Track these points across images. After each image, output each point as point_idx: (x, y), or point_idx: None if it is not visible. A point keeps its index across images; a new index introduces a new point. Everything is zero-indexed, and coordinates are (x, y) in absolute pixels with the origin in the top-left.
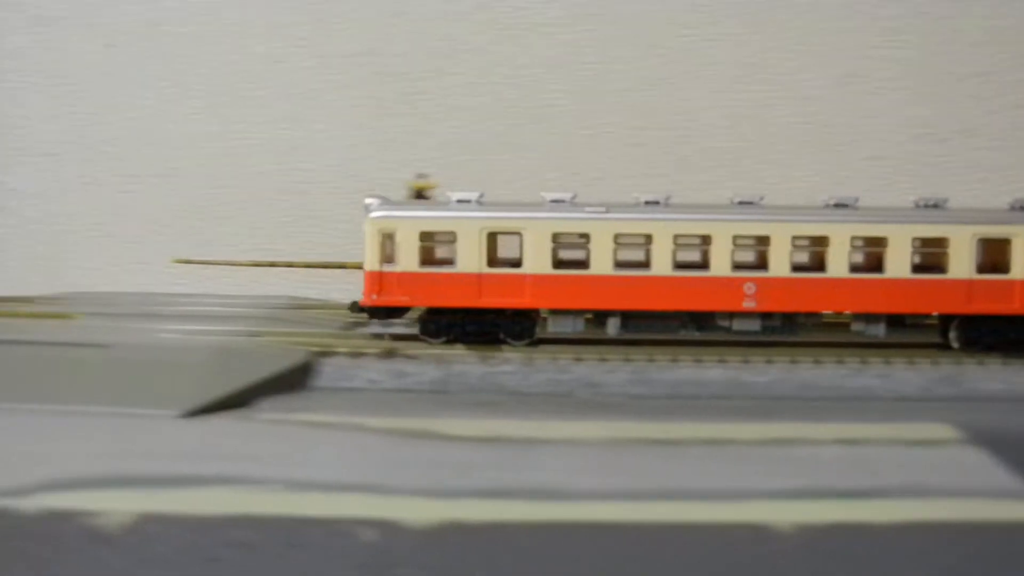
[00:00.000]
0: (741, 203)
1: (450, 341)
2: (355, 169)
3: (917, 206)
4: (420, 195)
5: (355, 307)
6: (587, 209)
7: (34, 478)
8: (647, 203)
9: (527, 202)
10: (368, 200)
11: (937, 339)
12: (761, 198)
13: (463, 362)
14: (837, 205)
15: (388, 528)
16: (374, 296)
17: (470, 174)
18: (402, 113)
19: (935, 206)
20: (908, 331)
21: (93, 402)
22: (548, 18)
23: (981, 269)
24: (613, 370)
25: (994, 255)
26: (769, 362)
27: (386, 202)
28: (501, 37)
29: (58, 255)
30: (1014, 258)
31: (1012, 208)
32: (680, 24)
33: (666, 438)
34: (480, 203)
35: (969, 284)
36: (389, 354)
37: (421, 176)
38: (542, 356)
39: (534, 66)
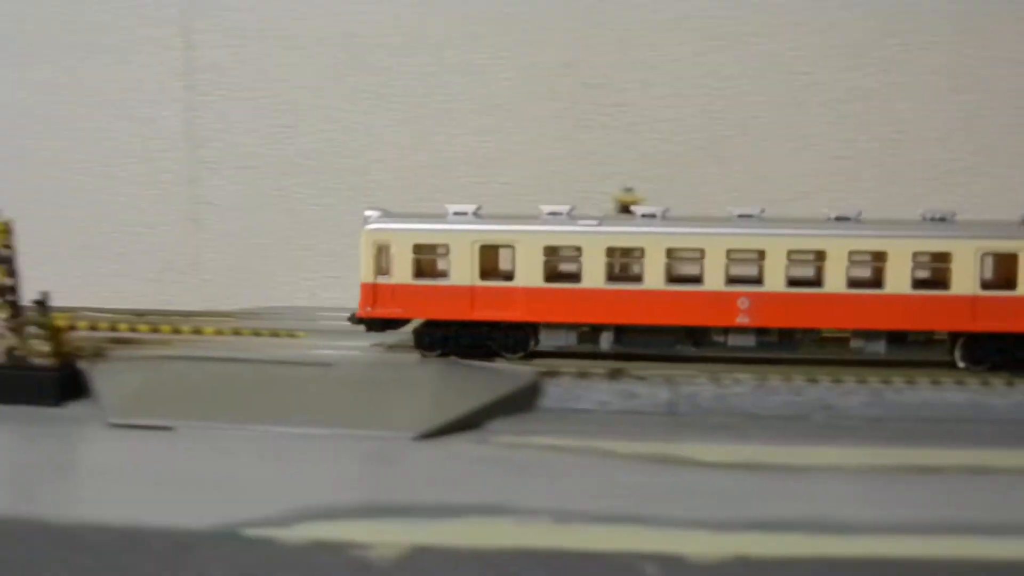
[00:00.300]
0: (740, 216)
1: (445, 353)
2: (554, 182)
3: (924, 219)
4: (626, 209)
5: (353, 319)
6: (580, 222)
7: (290, 506)
8: (643, 216)
9: (524, 215)
10: (367, 212)
11: (944, 356)
12: (762, 210)
13: (693, 383)
14: (838, 219)
15: (672, 563)
16: (368, 308)
17: (673, 187)
18: (603, 125)
19: (941, 219)
20: (911, 348)
21: (325, 423)
22: (753, 27)
23: (986, 285)
24: (849, 392)
25: (1001, 271)
26: (1009, 384)
27: (385, 214)
28: (705, 48)
29: (254, 268)
30: (1021, 274)
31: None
32: (889, 32)
33: (925, 465)
34: (477, 216)
35: (973, 300)
36: (616, 374)
37: (627, 190)
38: (775, 376)
39: (738, 77)
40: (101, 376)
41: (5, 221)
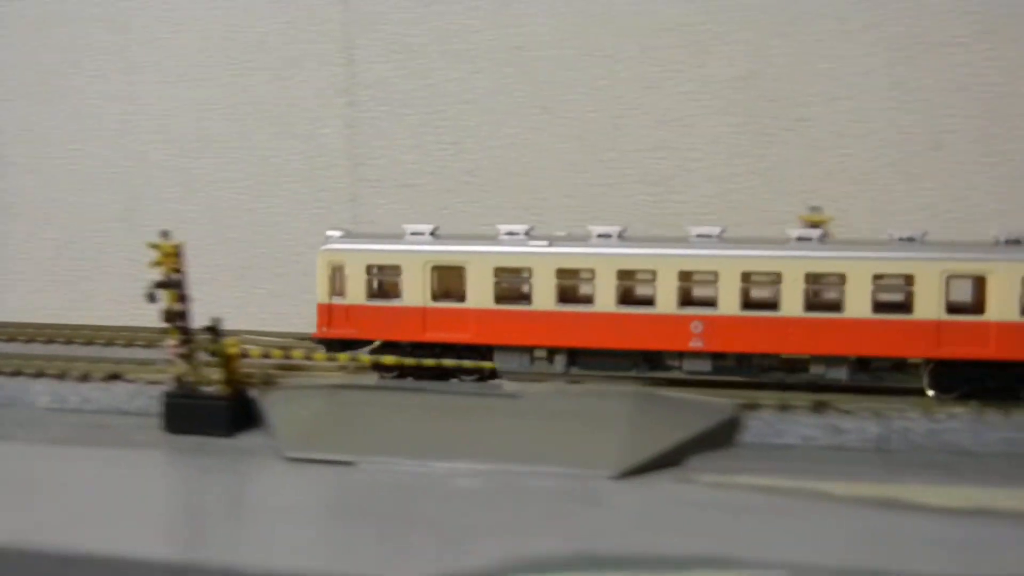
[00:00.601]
0: (699, 236)
1: (402, 375)
2: (734, 200)
3: (891, 239)
4: (814, 228)
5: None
6: (530, 243)
7: (496, 555)
8: (599, 236)
9: (479, 235)
10: (329, 232)
11: (911, 384)
12: (723, 231)
13: (904, 417)
14: (799, 239)
15: None
16: (324, 328)
17: (858, 206)
18: (784, 140)
19: (909, 239)
20: (877, 375)
21: (516, 459)
22: (946, 37)
23: (952, 309)
24: None
25: (967, 294)
26: None
27: (347, 235)
28: (894, 59)
29: None
30: (989, 298)
31: (994, 243)
32: None
33: None
34: (434, 236)
35: (938, 325)
36: (820, 407)
37: (814, 209)
38: (994, 411)
39: (929, 89)
40: (273, 405)
41: (175, 244)
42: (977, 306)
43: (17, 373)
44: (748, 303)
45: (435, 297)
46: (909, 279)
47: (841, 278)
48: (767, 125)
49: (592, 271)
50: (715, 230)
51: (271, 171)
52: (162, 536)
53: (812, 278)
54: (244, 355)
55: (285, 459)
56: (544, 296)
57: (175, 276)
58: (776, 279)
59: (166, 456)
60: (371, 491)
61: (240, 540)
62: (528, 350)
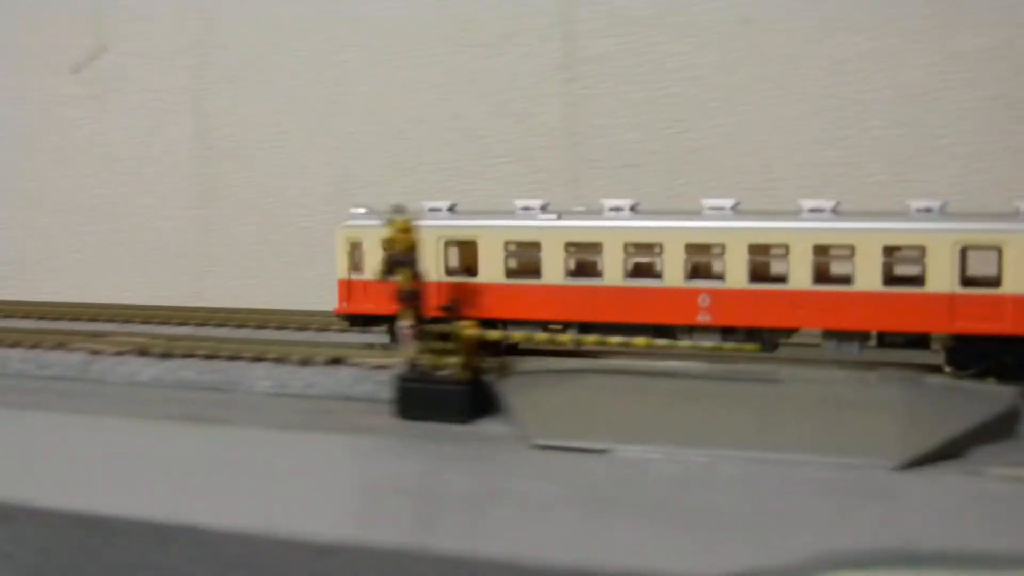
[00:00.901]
0: (711, 208)
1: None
2: (980, 182)
3: (911, 209)
4: None
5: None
6: (540, 216)
7: (804, 549)
8: (610, 209)
9: (498, 210)
10: (353, 209)
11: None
12: (736, 203)
13: None
14: (811, 211)
15: None
16: (344, 304)
17: None
18: None
19: (927, 210)
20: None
21: (786, 448)
22: None
23: (968, 283)
24: None
25: (982, 266)
26: None
27: (370, 212)
28: None
29: None
30: (1005, 270)
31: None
32: None
33: None
34: (451, 212)
35: (951, 299)
36: None
37: None
38: None
39: None
40: (514, 391)
41: (407, 219)
42: (995, 279)
43: (235, 357)
44: (757, 276)
45: (449, 272)
46: (921, 251)
47: (850, 250)
48: (1018, 99)
49: (599, 245)
50: (728, 202)
51: (485, 151)
52: (406, 526)
53: (821, 250)
54: (482, 338)
55: (532, 446)
56: (554, 270)
57: (408, 255)
58: (785, 251)
59: (402, 443)
60: (629, 480)
61: (491, 531)
62: (541, 323)
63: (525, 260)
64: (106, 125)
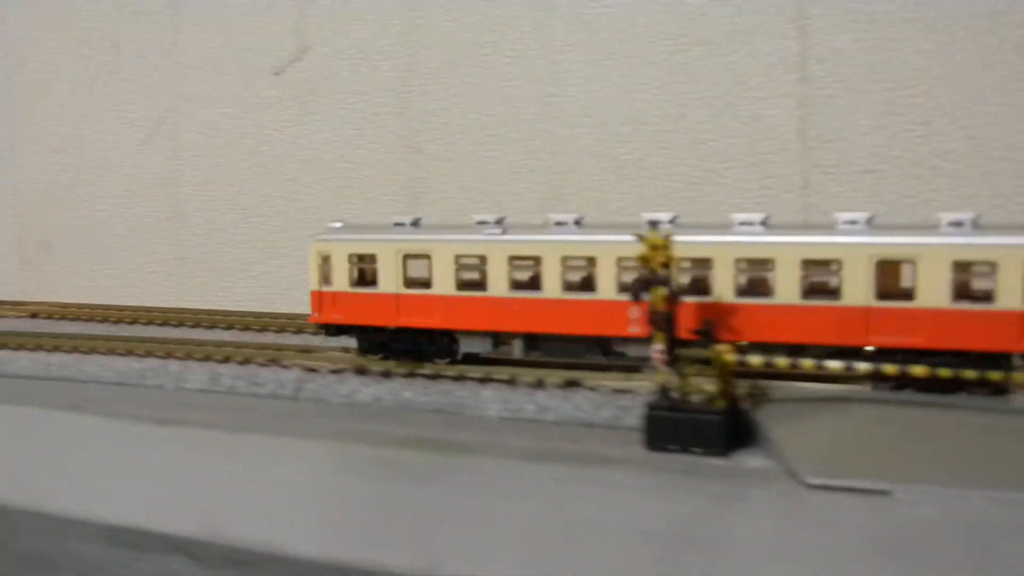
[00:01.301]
0: (650, 222)
1: (385, 357)
2: None
3: (841, 222)
4: None
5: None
6: (485, 231)
7: None
8: (556, 224)
9: (458, 224)
10: (330, 224)
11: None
12: (673, 218)
13: None
14: (742, 224)
15: None
16: (316, 314)
17: None
18: None
19: (852, 223)
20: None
21: None
22: None
23: (882, 295)
24: None
25: (897, 279)
26: None
27: (345, 227)
28: None
29: None
30: (920, 282)
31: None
32: None
33: None
34: (414, 226)
35: (867, 312)
36: None
37: None
38: None
39: None
40: (774, 421)
41: (665, 236)
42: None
43: (461, 378)
44: (688, 289)
45: (407, 284)
46: (836, 263)
47: (768, 264)
48: None
49: (539, 258)
50: (666, 217)
51: (709, 156)
52: (666, 570)
53: (741, 263)
54: (741, 364)
55: (803, 485)
56: (499, 282)
57: (664, 272)
58: (707, 264)
59: (654, 477)
60: (921, 527)
61: None
62: (491, 334)
63: (474, 273)
64: (308, 128)
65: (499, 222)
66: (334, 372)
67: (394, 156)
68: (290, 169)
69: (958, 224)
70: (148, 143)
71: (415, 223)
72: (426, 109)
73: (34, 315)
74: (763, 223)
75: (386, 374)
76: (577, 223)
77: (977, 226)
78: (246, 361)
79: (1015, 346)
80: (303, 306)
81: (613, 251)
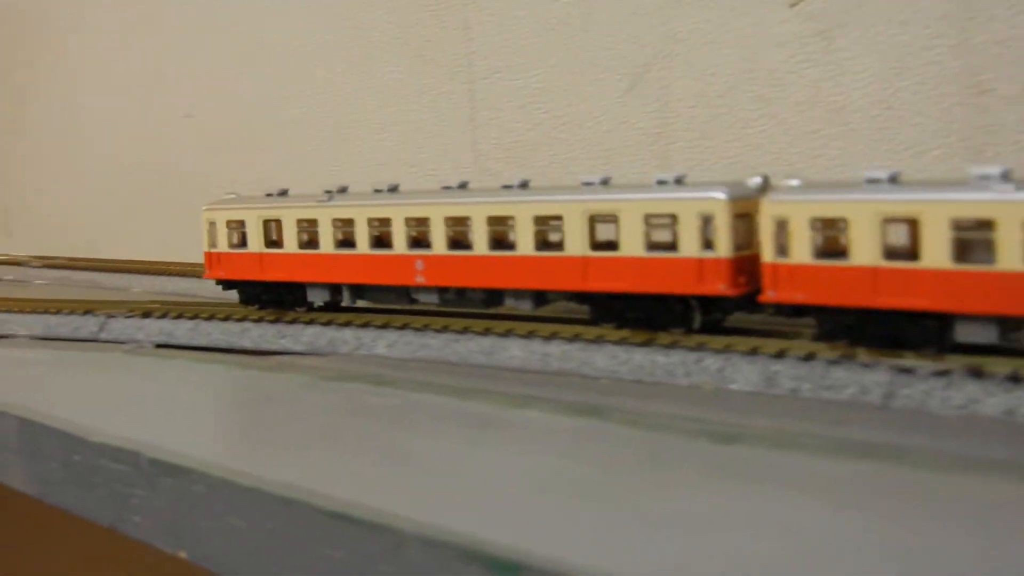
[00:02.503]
0: (444, 188)
1: (262, 307)
2: None
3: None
4: None
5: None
6: (318, 198)
7: None
8: (375, 191)
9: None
10: (226, 195)
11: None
12: (463, 184)
13: None
14: (505, 187)
15: None
16: (208, 271)
17: None
18: None
19: (603, 183)
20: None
21: None
22: None
23: (596, 247)
24: None
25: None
26: None
27: (238, 197)
28: None
29: None
30: (622, 235)
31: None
32: None
33: None
34: (281, 195)
35: (584, 261)
36: None
37: None
38: None
39: None
40: None
41: None
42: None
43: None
44: (455, 244)
45: (267, 244)
46: (559, 219)
47: (509, 220)
48: None
49: (351, 220)
50: (457, 185)
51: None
52: None
53: (493, 221)
54: None
55: None
56: (328, 242)
57: None
58: (464, 223)
59: None
60: None
61: None
62: (326, 286)
63: (313, 235)
64: (833, 69)
65: (342, 191)
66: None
67: (950, 100)
68: (811, 119)
69: (663, 182)
70: (631, 93)
71: (282, 192)
72: (994, 39)
73: None
74: (522, 186)
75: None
76: (391, 190)
77: (679, 182)
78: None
79: (694, 289)
80: None
81: (403, 212)
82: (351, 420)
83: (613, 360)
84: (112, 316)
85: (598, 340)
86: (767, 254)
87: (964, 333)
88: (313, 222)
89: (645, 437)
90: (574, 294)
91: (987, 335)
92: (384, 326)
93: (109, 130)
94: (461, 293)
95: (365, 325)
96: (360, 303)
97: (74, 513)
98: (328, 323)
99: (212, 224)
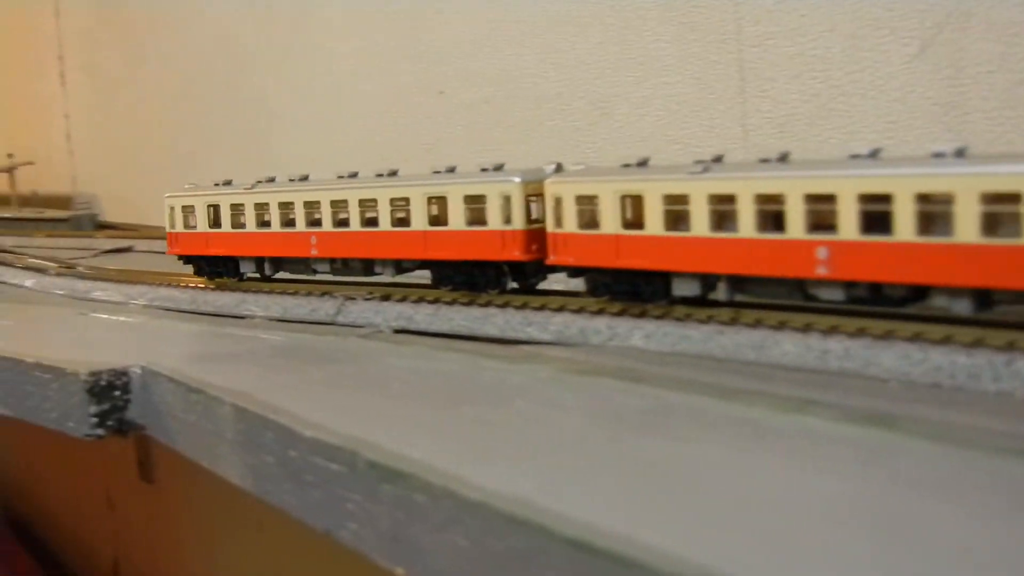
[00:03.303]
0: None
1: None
2: None
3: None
4: None
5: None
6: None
7: None
8: (289, 180)
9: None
10: (188, 184)
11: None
12: (352, 174)
13: None
14: (378, 174)
15: None
16: (168, 248)
17: None
18: None
19: (439, 172)
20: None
21: None
22: None
23: (432, 222)
24: None
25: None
26: None
27: (194, 187)
28: None
29: None
30: (451, 214)
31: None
32: None
33: None
34: (226, 184)
35: (424, 235)
36: None
37: None
38: None
39: None
40: None
41: None
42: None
43: None
44: (339, 222)
45: (211, 225)
46: (407, 200)
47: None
48: None
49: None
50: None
51: None
52: None
53: (365, 203)
54: None
55: None
56: (250, 222)
57: None
58: (340, 205)
59: None
60: None
61: None
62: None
63: (240, 218)
64: None
65: (271, 181)
66: None
67: None
68: None
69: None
70: (920, 58)
71: (226, 183)
72: None
73: None
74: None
75: None
76: (351, 176)
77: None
78: None
79: (499, 256)
80: None
81: (302, 197)
82: (597, 423)
83: (905, 360)
84: (351, 299)
85: (887, 336)
86: (549, 226)
87: (679, 288)
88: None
89: (947, 454)
90: (420, 262)
91: (693, 290)
92: (641, 315)
93: (363, 105)
94: (353, 264)
95: (620, 313)
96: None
97: (288, 513)
98: (579, 310)
99: (172, 208)
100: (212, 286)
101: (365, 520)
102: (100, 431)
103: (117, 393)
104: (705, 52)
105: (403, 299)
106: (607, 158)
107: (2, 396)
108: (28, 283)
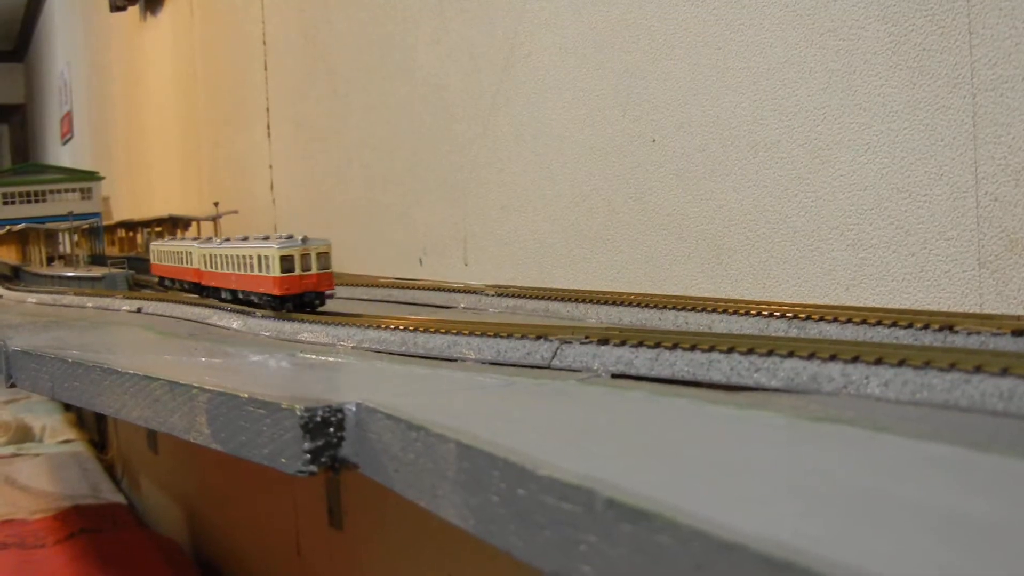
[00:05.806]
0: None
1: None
2: None
3: None
4: None
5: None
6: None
7: None
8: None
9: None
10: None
11: None
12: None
13: None
14: None
15: None
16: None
17: None
18: None
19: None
20: None
21: None
22: None
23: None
24: None
25: None
26: None
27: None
28: None
29: None
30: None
31: None
32: None
33: None
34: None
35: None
36: None
37: None
38: None
39: None
40: None
41: None
42: None
43: None
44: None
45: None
46: None
47: None
48: None
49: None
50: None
51: None
52: None
53: None
54: None
55: None
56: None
57: None
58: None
59: None
60: None
61: None
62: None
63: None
64: None
65: (214, 238)
66: None
67: None
68: None
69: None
70: None
71: (209, 239)
72: None
73: None
74: None
75: None
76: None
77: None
78: None
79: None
80: None
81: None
82: (842, 472)
83: None
84: (567, 342)
85: None
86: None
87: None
88: (181, 253)
89: None
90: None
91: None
92: (877, 361)
93: (571, 153)
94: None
95: (854, 359)
96: None
97: (513, 555)
98: (810, 356)
99: (154, 252)
100: (422, 328)
101: (601, 563)
102: (313, 467)
103: (331, 430)
104: (935, 97)
105: (622, 343)
106: (826, 207)
107: (215, 431)
108: (235, 324)
